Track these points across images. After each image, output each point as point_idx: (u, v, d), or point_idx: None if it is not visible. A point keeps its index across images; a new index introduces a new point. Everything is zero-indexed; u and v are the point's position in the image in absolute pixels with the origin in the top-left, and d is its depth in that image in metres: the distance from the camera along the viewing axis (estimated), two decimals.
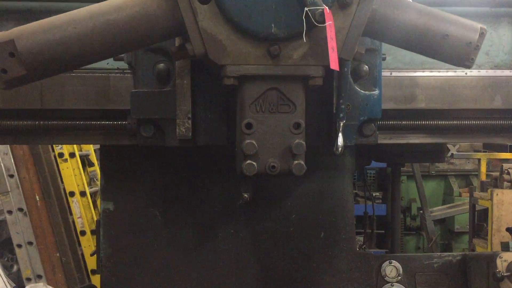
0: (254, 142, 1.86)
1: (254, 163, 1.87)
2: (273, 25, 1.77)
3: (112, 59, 2.32)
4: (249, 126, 1.87)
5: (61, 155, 6.29)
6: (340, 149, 2.04)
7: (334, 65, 1.78)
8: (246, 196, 2.09)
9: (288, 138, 1.89)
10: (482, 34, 1.85)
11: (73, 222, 6.39)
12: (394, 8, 1.85)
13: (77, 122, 2.37)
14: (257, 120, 1.87)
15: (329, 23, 1.74)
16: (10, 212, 6.19)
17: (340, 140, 2.04)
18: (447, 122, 2.46)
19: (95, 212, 6.54)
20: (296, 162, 1.89)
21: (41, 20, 1.72)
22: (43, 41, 1.67)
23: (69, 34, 1.68)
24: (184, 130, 2.08)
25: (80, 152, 6.58)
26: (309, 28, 1.76)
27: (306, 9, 1.73)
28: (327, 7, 1.73)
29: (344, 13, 1.80)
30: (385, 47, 2.32)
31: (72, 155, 6.36)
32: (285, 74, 1.84)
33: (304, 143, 1.90)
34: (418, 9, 1.86)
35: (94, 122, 2.38)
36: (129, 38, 1.73)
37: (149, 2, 1.74)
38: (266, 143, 1.88)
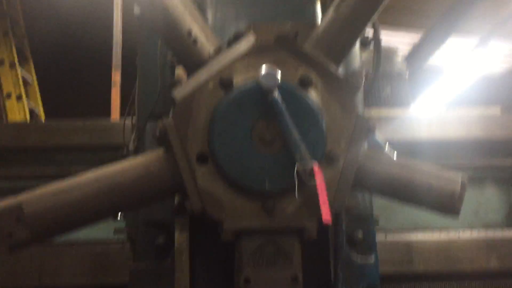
0: None
1: None
2: (267, 181, 1.85)
3: (112, 233, 2.37)
4: (247, 281, 1.87)
5: None
6: None
7: (326, 219, 1.82)
8: None
9: None
10: (463, 184, 1.92)
11: None
12: (377, 163, 1.94)
13: None
14: (255, 275, 1.87)
15: (319, 180, 1.82)
16: None
17: None
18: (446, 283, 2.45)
19: None
20: None
21: (49, 184, 1.79)
22: (49, 205, 1.73)
23: (75, 197, 1.75)
24: None
25: None
26: (301, 184, 1.85)
27: (296, 169, 1.81)
28: (316, 165, 1.82)
29: (332, 167, 1.87)
30: (378, 210, 2.39)
31: None
32: (280, 228, 1.87)
33: None
34: (400, 163, 1.96)
35: None
36: (132, 199, 1.80)
37: (152, 165, 1.84)
38: None
